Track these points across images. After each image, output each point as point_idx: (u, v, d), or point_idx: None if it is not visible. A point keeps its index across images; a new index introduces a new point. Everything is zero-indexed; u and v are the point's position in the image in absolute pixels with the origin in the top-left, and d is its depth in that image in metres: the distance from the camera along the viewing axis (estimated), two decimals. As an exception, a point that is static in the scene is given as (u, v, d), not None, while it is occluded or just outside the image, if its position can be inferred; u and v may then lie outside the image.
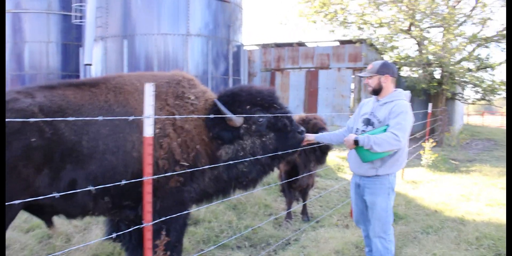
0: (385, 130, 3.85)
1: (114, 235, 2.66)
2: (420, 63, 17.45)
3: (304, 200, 6.93)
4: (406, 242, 5.35)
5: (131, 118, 2.94)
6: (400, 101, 3.99)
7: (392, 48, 18.97)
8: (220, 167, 4.06)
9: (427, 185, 9.34)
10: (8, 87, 14.53)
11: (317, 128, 5.82)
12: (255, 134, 4.11)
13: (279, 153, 4.22)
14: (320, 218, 6.81)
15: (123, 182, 2.69)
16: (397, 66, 19.53)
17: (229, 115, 3.90)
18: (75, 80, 3.66)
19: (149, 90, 2.58)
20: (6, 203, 2.79)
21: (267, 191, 8.49)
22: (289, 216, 6.70)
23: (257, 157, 4.10)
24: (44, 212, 3.47)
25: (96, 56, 13.51)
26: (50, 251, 4.45)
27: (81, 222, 5.34)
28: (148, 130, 2.64)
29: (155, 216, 3.68)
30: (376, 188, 4.07)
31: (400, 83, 18.90)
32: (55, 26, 16.31)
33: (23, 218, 5.40)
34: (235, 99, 4.10)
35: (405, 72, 20.24)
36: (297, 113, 19.53)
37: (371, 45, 18.93)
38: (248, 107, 4.08)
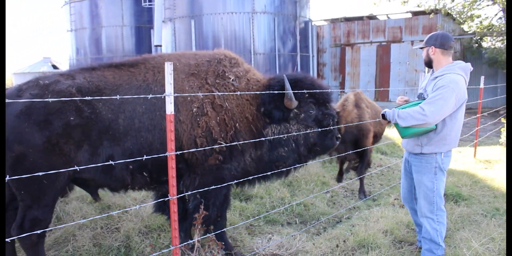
0: (417, 104, 3.68)
1: (137, 207, 2.80)
2: (503, 32, 15.90)
3: (360, 178, 6.81)
4: (464, 225, 5.05)
5: (150, 96, 3.04)
6: (448, 74, 3.65)
7: (472, 17, 17.41)
8: (264, 147, 4.15)
9: (502, 165, 8.65)
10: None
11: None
12: (302, 123, 4.21)
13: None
14: (377, 197, 6.64)
15: (145, 157, 2.82)
16: (478, 37, 17.97)
17: (291, 95, 3.98)
18: (115, 61, 3.83)
19: (168, 69, 2.65)
20: (54, 171, 3.03)
21: (326, 168, 8.41)
22: (339, 178, 7.27)
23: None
24: (89, 185, 3.75)
25: (166, 37, 13.97)
26: (107, 220, 4.83)
27: (139, 195, 5.70)
28: (169, 108, 2.72)
29: (195, 192, 3.84)
30: (421, 167, 3.90)
31: (480, 54, 17.47)
32: (128, 10, 17.12)
33: (90, 191, 5.86)
34: (297, 84, 4.17)
35: (487, 42, 18.60)
36: (369, 88, 18.92)
37: (448, 14, 17.56)
38: (306, 95, 4.16)
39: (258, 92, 4.13)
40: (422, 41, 4.01)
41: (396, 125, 3.81)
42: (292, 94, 4.01)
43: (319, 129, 4.26)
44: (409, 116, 3.60)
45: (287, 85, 3.99)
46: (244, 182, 4.28)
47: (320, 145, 4.34)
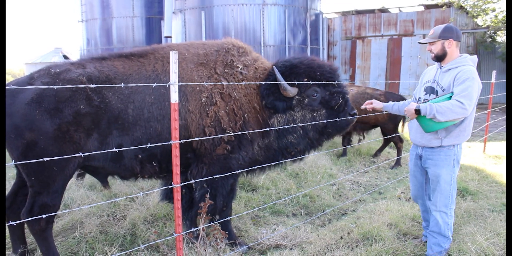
0: (449, 98, 3.58)
1: (140, 194, 2.83)
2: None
3: None
4: (470, 220, 5.02)
5: (154, 85, 3.06)
6: (465, 66, 3.67)
7: (487, 10, 17.11)
8: (271, 135, 4.14)
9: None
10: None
11: None
12: (306, 108, 4.12)
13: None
14: (384, 190, 6.64)
15: (148, 145, 2.85)
16: (492, 31, 17.69)
17: (284, 84, 3.89)
18: (125, 51, 3.85)
19: (173, 58, 2.67)
20: (59, 157, 3.08)
21: (334, 161, 8.42)
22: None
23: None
24: (99, 173, 3.80)
25: (176, 28, 13.97)
26: (114, 208, 4.90)
27: (146, 184, 5.76)
28: (173, 96, 2.74)
29: (202, 181, 3.88)
30: (440, 160, 3.85)
31: (493, 49, 17.23)
32: (138, 1, 17.11)
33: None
34: (292, 71, 4.08)
35: (501, 37, 18.28)
36: (379, 82, 18.78)
37: (461, 8, 17.30)
38: (305, 80, 4.05)
39: (252, 83, 4.05)
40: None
41: (424, 120, 3.67)
42: (286, 84, 3.90)
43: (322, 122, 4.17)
44: (449, 111, 3.48)
45: (278, 76, 3.90)
46: (254, 169, 4.26)
47: (332, 127, 4.21)
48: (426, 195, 4.25)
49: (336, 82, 4.19)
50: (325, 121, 4.17)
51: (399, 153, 8.63)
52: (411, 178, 4.31)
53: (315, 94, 4.09)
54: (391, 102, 4.43)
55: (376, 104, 4.34)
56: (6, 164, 2.58)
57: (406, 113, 3.78)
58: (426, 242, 4.33)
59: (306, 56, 4.30)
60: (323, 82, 4.09)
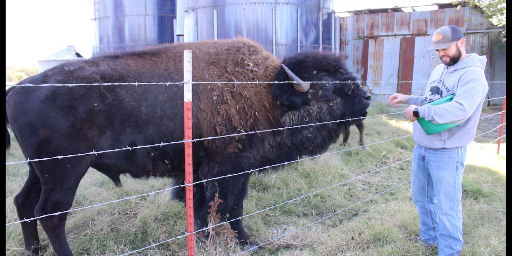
0: (450, 99, 3.54)
1: (153, 192, 2.84)
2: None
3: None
4: (483, 222, 4.96)
5: (168, 83, 3.07)
6: (472, 67, 3.60)
7: (502, 10, 16.84)
8: (283, 133, 4.12)
9: (526, 163, 8.43)
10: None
11: None
12: (321, 99, 4.12)
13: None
14: (395, 191, 6.58)
15: (162, 144, 2.86)
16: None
17: (297, 80, 3.90)
18: (137, 50, 3.88)
19: (187, 57, 2.67)
20: (72, 155, 3.11)
21: (345, 161, 8.38)
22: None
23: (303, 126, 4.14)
24: (111, 170, 3.83)
25: (188, 27, 13.99)
26: (125, 206, 4.92)
27: (157, 182, 5.78)
28: (187, 95, 2.75)
29: (213, 180, 3.88)
30: (443, 162, 3.81)
31: (508, 49, 16.96)
32: (151, -1, 17.17)
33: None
34: (301, 66, 4.09)
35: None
36: (391, 82, 18.60)
37: (476, 7, 17.05)
38: (314, 72, 4.07)
39: (265, 82, 4.04)
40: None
41: (424, 122, 3.63)
42: (299, 79, 3.90)
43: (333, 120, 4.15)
44: (448, 113, 3.44)
45: (290, 73, 3.90)
46: (265, 166, 4.21)
47: (351, 113, 4.19)
48: (427, 197, 4.23)
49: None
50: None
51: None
52: (413, 178, 4.29)
53: (327, 85, 4.09)
54: (413, 95, 4.38)
55: (401, 97, 4.18)
56: (20, 161, 2.60)
57: (406, 115, 3.74)
58: (426, 241, 4.32)
59: (308, 50, 4.33)
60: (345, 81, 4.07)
